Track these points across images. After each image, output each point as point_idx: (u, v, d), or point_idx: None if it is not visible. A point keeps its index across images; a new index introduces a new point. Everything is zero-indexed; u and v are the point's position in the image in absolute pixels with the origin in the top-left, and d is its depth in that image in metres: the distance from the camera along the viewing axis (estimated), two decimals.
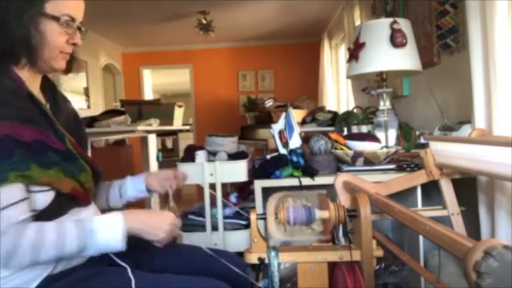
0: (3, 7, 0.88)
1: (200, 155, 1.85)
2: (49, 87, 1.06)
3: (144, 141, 3.95)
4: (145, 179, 1.21)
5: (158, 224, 0.95)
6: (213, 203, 1.80)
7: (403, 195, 1.52)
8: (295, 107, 4.29)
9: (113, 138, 4.94)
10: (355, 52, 1.85)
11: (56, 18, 0.92)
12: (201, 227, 1.81)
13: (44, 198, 0.88)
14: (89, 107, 5.64)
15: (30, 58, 0.91)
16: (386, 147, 1.77)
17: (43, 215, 0.87)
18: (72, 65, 1.04)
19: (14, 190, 0.81)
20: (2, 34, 0.89)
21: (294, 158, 1.71)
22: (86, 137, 1.14)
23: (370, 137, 1.78)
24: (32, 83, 0.97)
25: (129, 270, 0.93)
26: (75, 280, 0.90)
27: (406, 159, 1.79)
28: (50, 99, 1.04)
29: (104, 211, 1.16)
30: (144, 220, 0.94)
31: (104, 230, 0.87)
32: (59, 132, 0.93)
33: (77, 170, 0.94)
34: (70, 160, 0.93)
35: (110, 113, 3.25)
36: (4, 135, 0.80)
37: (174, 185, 1.20)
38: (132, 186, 1.21)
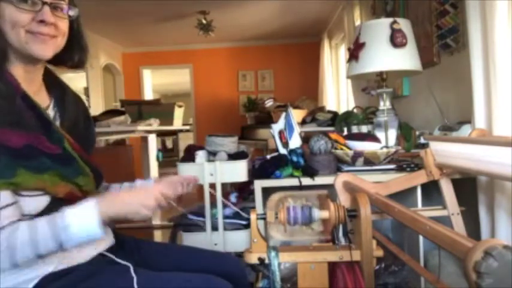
0: None
1: (200, 155, 1.85)
2: (56, 86, 1.03)
3: (144, 141, 3.95)
4: (154, 182, 1.16)
5: (137, 203, 0.89)
6: (213, 203, 1.80)
7: (403, 195, 1.52)
8: (295, 107, 4.29)
9: (113, 138, 4.94)
10: (355, 52, 1.85)
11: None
12: (201, 227, 1.81)
13: (35, 203, 0.86)
14: (89, 107, 5.64)
15: (2, 47, 0.87)
16: (386, 147, 1.77)
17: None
18: (73, 53, 1.00)
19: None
20: None
21: (294, 158, 1.71)
22: (93, 138, 1.10)
23: (370, 137, 1.78)
24: (30, 82, 0.95)
25: (131, 268, 0.93)
26: (76, 279, 0.89)
27: (406, 159, 1.79)
28: (55, 98, 1.01)
29: None
30: (119, 203, 0.89)
31: (76, 222, 0.83)
32: (55, 134, 0.91)
33: (74, 173, 0.92)
34: (66, 163, 0.91)
35: (110, 113, 3.26)
36: None
37: (184, 192, 1.12)
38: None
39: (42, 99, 0.98)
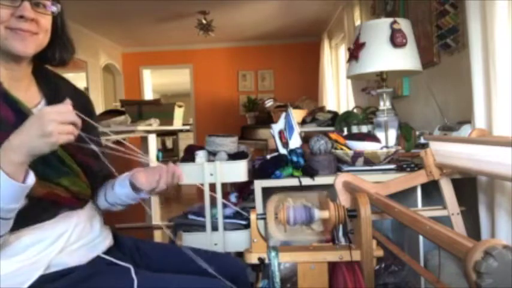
0: None
1: (200, 155, 1.85)
2: (48, 83, 1.00)
3: (144, 141, 3.95)
4: (133, 173, 1.05)
5: (34, 136, 0.74)
6: (213, 203, 1.80)
7: (403, 195, 1.52)
8: (295, 107, 4.29)
9: (112, 138, 4.94)
10: (355, 52, 1.85)
11: None
12: (201, 227, 1.81)
13: None
14: None
15: None
16: (387, 147, 1.77)
17: (20, 220, 0.80)
18: (55, 50, 0.96)
19: None
20: None
21: (294, 158, 1.71)
22: (95, 133, 1.00)
23: (370, 137, 1.78)
24: (16, 80, 0.91)
25: (132, 270, 0.92)
26: (76, 280, 0.89)
27: (406, 159, 1.79)
28: (47, 95, 0.98)
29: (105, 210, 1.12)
30: (20, 136, 0.75)
31: None
32: None
33: (55, 173, 0.88)
34: (46, 164, 0.86)
35: (110, 113, 3.26)
36: None
37: (163, 182, 1.00)
38: (120, 182, 1.07)
39: (32, 97, 0.95)
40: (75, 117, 0.78)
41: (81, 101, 1.04)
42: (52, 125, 0.74)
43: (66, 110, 0.77)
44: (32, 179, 0.77)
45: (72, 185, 0.92)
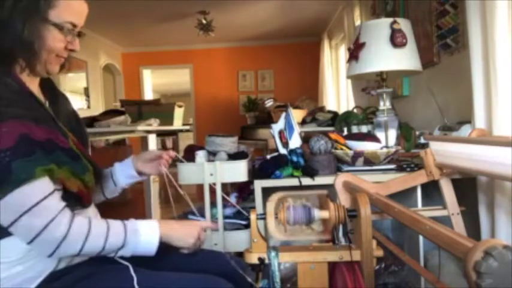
0: (9, 9, 0.88)
1: (200, 155, 1.85)
2: (48, 86, 1.05)
3: (144, 141, 3.94)
4: (133, 163, 1.22)
5: (189, 232, 1.02)
6: (213, 203, 1.80)
7: (403, 195, 1.52)
8: (295, 107, 4.29)
9: (113, 138, 4.94)
10: (355, 52, 1.85)
11: (58, 27, 0.92)
12: None
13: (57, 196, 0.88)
14: (89, 107, 5.64)
15: (30, 61, 0.91)
16: (386, 147, 1.77)
17: None
18: (64, 65, 1.04)
19: (46, 183, 0.83)
20: (4, 35, 0.88)
21: (294, 158, 1.71)
22: (86, 136, 1.13)
23: (370, 137, 1.78)
24: (31, 83, 0.97)
25: (131, 268, 0.93)
26: (77, 278, 0.90)
27: (406, 159, 1.79)
28: (49, 98, 1.04)
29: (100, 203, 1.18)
30: (176, 228, 1.01)
31: (145, 231, 0.94)
32: (62, 131, 0.93)
33: (82, 169, 0.94)
34: (75, 159, 0.92)
35: (110, 113, 3.25)
36: (22, 133, 0.81)
37: (166, 165, 1.22)
38: (123, 173, 1.22)
39: (40, 97, 1.00)
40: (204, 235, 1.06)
41: (72, 107, 1.13)
42: (198, 235, 1.03)
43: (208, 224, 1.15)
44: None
45: (89, 181, 0.97)
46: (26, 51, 0.89)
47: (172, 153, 1.24)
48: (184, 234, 1.01)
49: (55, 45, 0.93)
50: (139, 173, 1.24)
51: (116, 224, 0.92)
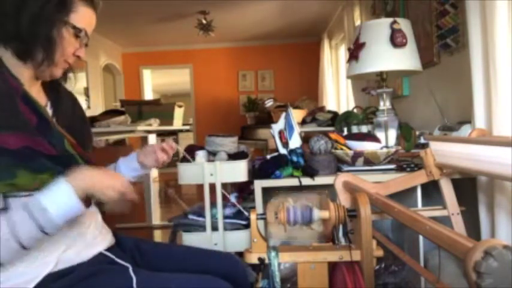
0: (35, 7, 0.89)
1: (200, 155, 1.85)
2: (52, 86, 1.05)
3: (144, 141, 3.95)
4: (137, 156, 1.23)
5: (110, 183, 0.89)
6: (213, 203, 1.80)
7: (403, 195, 1.52)
8: (295, 107, 4.29)
9: (113, 138, 4.94)
10: (355, 52, 1.85)
11: (77, 31, 0.94)
12: (201, 227, 1.81)
13: None
14: (89, 107, 5.64)
15: (47, 59, 0.91)
16: (386, 147, 1.77)
17: None
18: (67, 72, 1.04)
19: None
20: (28, 31, 0.89)
21: (294, 158, 1.71)
22: (90, 137, 1.12)
23: (370, 137, 1.78)
24: (33, 83, 0.97)
25: (130, 269, 0.93)
26: (76, 279, 0.89)
27: (406, 159, 1.79)
28: (51, 98, 1.03)
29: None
30: (94, 177, 0.88)
31: (53, 203, 0.81)
32: (56, 135, 0.92)
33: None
34: (67, 163, 0.91)
35: (110, 113, 3.25)
36: None
37: (166, 158, 1.22)
38: (126, 166, 1.22)
39: (41, 98, 1.00)
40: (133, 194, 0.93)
41: (78, 107, 1.12)
42: (122, 189, 0.89)
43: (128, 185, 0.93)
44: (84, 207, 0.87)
45: None
46: (46, 48, 0.90)
47: (174, 144, 1.24)
48: (105, 185, 0.88)
49: (68, 48, 0.94)
50: (142, 166, 1.23)
51: (18, 214, 0.81)
